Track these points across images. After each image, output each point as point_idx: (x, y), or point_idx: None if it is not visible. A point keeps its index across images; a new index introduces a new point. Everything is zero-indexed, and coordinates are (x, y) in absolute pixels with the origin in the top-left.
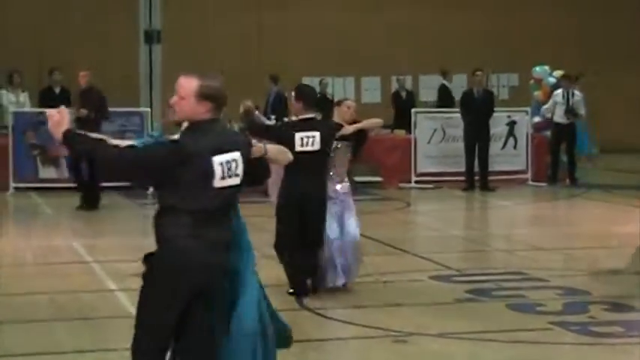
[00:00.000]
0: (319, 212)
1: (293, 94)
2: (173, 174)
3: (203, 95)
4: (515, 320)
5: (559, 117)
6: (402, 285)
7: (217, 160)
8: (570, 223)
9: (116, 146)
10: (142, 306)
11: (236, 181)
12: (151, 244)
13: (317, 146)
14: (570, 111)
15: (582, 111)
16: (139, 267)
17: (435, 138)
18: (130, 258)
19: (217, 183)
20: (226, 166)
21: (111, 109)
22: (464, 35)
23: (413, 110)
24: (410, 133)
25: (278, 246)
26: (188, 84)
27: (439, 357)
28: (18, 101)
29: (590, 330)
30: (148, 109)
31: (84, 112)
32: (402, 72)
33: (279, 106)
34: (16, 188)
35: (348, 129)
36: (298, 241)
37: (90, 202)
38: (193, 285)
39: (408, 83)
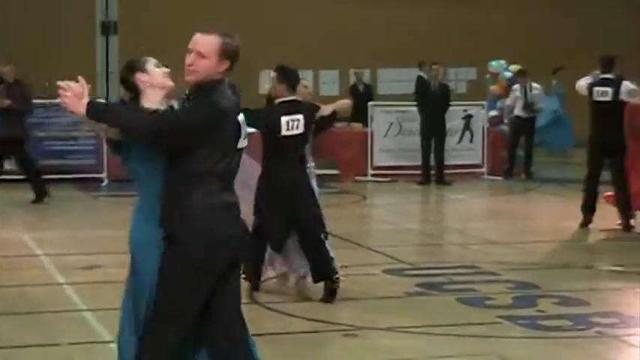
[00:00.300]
0: (311, 198)
1: (275, 75)
2: (213, 135)
3: (225, 53)
4: (464, 314)
5: (518, 111)
6: (354, 279)
7: (240, 119)
8: (524, 217)
9: (149, 112)
10: (169, 292)
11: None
12: (101, 236)
13: (301, 129)
14: (529, 105)
15: (541, 104)
16: (88, 260)
17: (392, 131)
18: (81, 251)
19: (240, 144)
20: (244, 127)
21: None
22: (423, 29)
23: (370, 103)
24: (366, 126)
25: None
26: (210, 41)
27: (388, 351)
28: None
29: (538, 324)
30: (102, 101)
31: (7, 102)
32: (359, 65)
33: None
34: None
35: (326, 109)
36: (286, 236)
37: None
38: (230, 258)
39: (366, 77)
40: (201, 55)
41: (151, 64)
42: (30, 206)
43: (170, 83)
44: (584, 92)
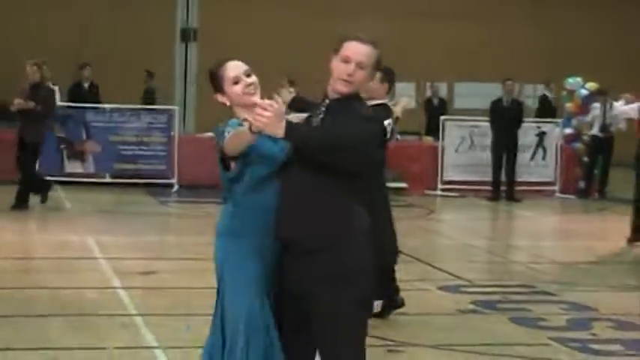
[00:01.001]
0: None
1: (379, 75)
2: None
3: (377, 65)
4: (514, 334)
5: (596, 130)
6: (407, 294)
7: None
8: (593, 236)
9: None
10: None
11: None
12: (162, 242)
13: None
14: (607, 126)
15: (621, 125)
16: (146, 265)
17: (463, 146)
18: (140, 256)
19: None
20: None
21: (136, 106)
22: (498, 46)
23: (442, 117)
24: (438, 140)
25: None
26: (369, 52)
27: None
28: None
29: (589, 347)
30: (176, 108)
31: (31, 104)
32: (436, 79)
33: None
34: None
35: (396, 111)
36: None
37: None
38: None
39: (443, 90)
40: (360, 66)
41: (229, 82)
42: (97, 209)
43: (252, 100)
44: (636, 115)
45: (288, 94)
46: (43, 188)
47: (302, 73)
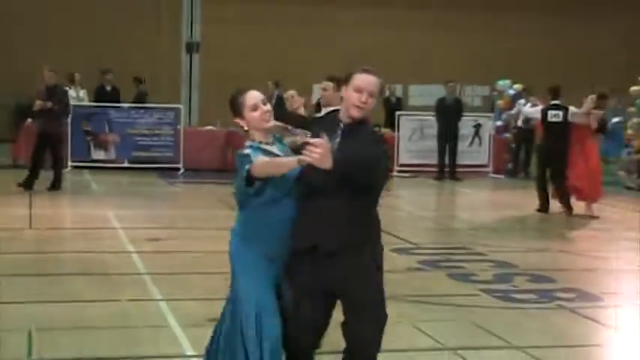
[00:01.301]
0: None
1: (331, 84)
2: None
3: (381, 93)
4: (451, 287)
5: (520, 123)
6: None
7: None
8: (517, 208)
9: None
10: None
11: None
12: (169, 215)
13: None
14: (528, 120)
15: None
16: (154, 234)
17: (415, 136)
18: (150, 226)
19: None
20: None
21: (150, 105)
22: (445, 53)
23: (397, 113)
24: (394, 131)
25: None
26: (377, 83)
27: None
28: (78, 97)
29: (510, 296)
30: (181, 106)
31: (49, 104)
32: (393, 81)
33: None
34: (73, 166)
35: None
36: None
37: (56, 182)
38: None
39: (399, 91)
40: (372, 95)
41: (248, 108)
42: (117, 189)
43: (267, 125)
44: (538, 116)
45: (299, 99)
46: (33, 176)
47: (289, 77)
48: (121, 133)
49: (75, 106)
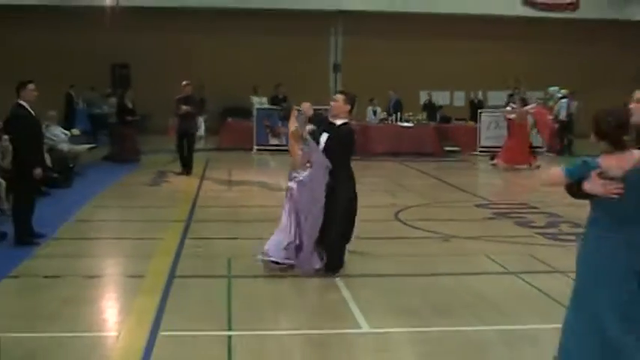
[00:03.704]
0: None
1: (342, 97)
2: None
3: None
4: (515, 230)
5: (562, 116)
6: (456, 210)
7: None
8: None
9: None
10: None
11: None
12: None
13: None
14: (570, 114)
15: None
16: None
17: (491, 127)
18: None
19: None
20: None
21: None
22: (512, 66)
23: (479, 110)
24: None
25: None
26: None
27: (463, 248)
28: (260, 102)
29: (557, 237)
30: (328, 107)
31: (187, 108)
32: (476, 89)
33: (398, 109)
34: (257, 150)
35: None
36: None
37: (188, 168)
38: None
39: (480, 95)
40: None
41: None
42: (287, 165)
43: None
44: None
45: (310, 108)
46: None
47: (401, 88)
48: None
49: (258, 108)
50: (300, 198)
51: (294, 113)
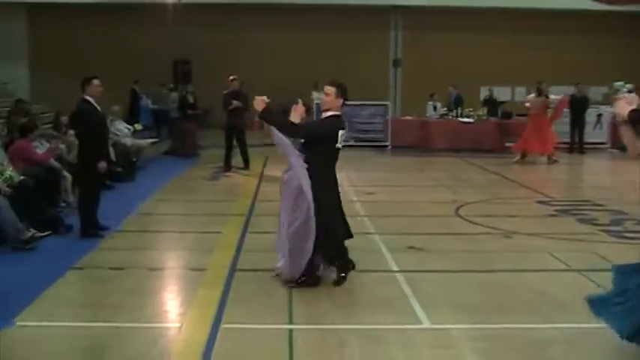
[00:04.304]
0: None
1: (333, 89)
2: None
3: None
4: (577, 228)
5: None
6: (516, 205)
7: None
8: (629, 172)
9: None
10: None
11: None
12: (378, 177)
13: (343, 143)
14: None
15: None
16: (369, 189)
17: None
18: (367, 184)
19: None
20: None
21: (366, 102)
22: (576, 62)
23: None
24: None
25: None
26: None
27: (525, 245)
28: (320, 97)
29: (621, 235)
30: (388, 103)
31: (238, 103)
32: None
33: (458, 105)
34: None
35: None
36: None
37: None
38: None
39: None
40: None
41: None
42: (348, 160)
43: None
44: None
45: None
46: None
47: (462, 83)
48: (348, 121)
49: (318, 103)
50: (284, 198)
51: (297, 108)
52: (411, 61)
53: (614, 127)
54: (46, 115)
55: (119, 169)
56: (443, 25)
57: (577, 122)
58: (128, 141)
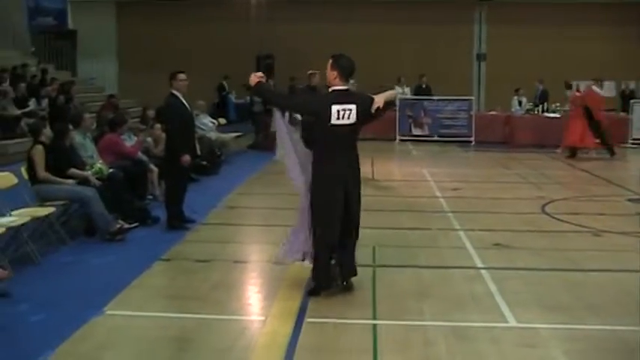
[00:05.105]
0: (357, 194)
1: (329, 63)
2: None
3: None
4: None
5: None
6: (605, 203)
7: None
8: None
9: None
10: None
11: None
12: (464, 172)
13: (353, 119)
14: None
15: None
16: (454, 185)
17: None
18: (451, 179)
19: None
20: None
21: (450, 97)
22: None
23: (631, 101)
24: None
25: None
26: None
27: (615, 245)
28: (403, 92)
29: None
30: (472, 98)
31: None
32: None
33: (544, 100)
34: (400, 140)
35: (379, 101)
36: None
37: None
38: None
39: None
40: None
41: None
42: (430, 154)
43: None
44: None
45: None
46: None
47: (549, 76)
48: (432, 117)
49: (401, 99)
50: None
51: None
52: (495, 55)
53: None
54: (134, 109)
55: (204, 163)
56: (528, 19)
57: None
58: (212, 135)
